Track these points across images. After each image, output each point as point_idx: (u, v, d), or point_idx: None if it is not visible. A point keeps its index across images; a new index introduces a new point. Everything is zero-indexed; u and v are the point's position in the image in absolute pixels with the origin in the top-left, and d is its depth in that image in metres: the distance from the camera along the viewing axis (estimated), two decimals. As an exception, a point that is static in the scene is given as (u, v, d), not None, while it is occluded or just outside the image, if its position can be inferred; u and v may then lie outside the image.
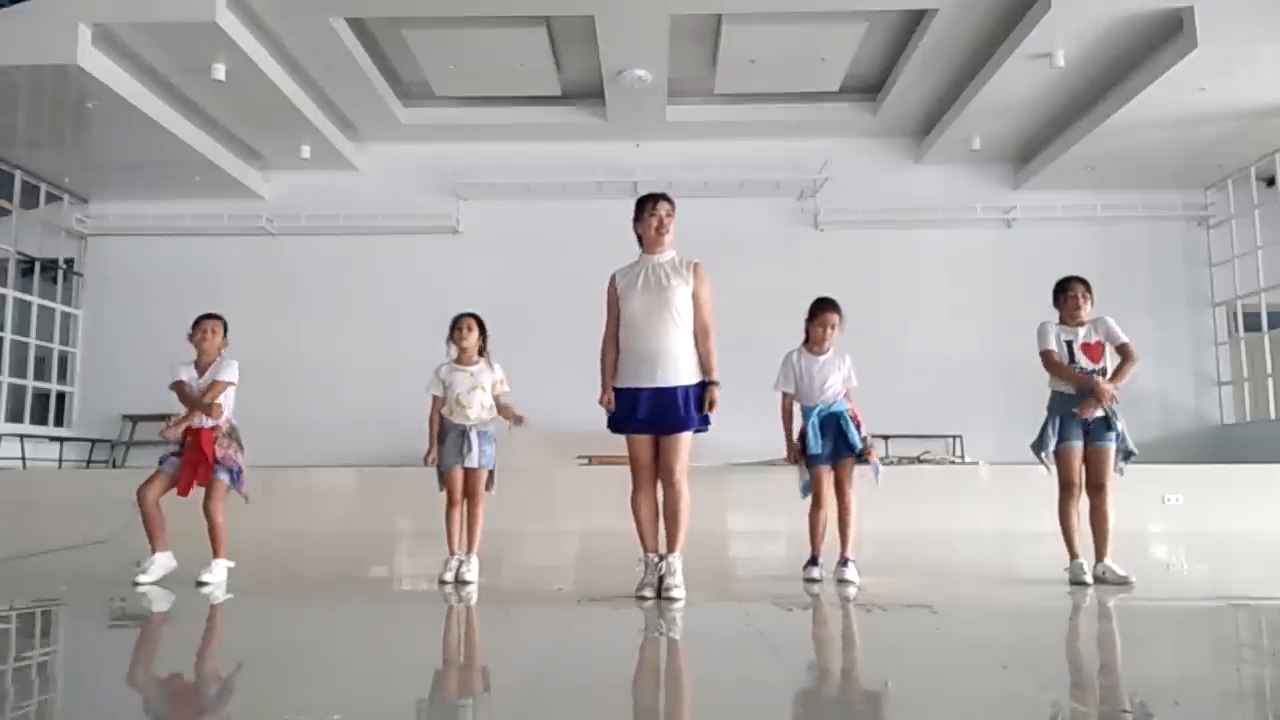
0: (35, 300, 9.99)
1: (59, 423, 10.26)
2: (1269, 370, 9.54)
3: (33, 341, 9.88)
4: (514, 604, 4.02)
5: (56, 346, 10.25)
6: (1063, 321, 4.62)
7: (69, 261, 10.54)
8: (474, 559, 4.59)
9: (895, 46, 8.86)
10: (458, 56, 8.64)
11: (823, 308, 4.67)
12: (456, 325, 4.73)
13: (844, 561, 4.49)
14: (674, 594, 3.78)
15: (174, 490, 4.62)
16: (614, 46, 8.26)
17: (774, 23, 7.97)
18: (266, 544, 6.30)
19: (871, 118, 9.98)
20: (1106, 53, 7.85)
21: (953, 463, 8.82)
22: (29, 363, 9.87)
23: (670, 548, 3.91)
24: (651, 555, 3.94)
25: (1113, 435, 4.43)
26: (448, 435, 4.62)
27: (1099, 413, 4.37)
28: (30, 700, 2.50)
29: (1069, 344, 4.52)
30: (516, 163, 10.27)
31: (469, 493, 4.64)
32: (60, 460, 9.57)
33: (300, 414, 9.69)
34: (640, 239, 4.11)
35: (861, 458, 4.57)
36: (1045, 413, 4.60)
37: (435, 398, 4.68)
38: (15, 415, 9.62)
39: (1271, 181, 9.91)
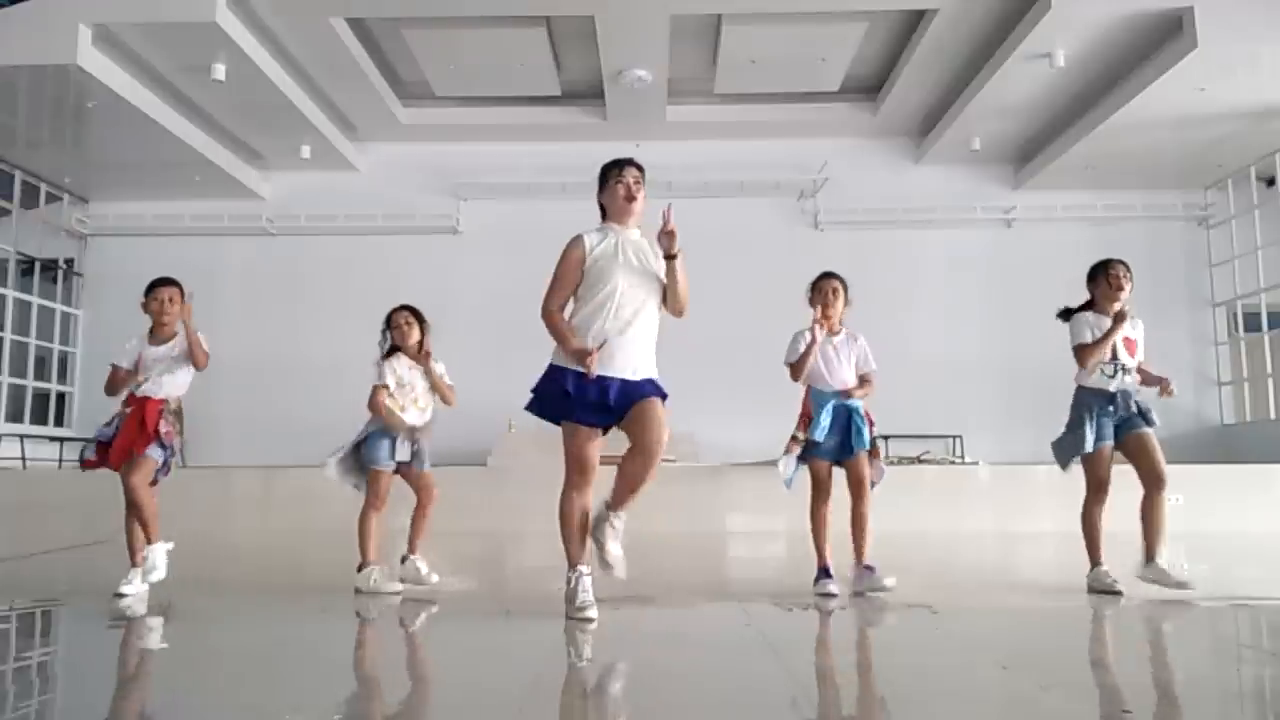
0: (35, 300, 10.00)
1: (59, 423, 10.27)
2: (1269, 370, 9.54)
3: (33, 341, 9.88)
4: (513, 604, 4.01)
5: (56, 346, 10.25)
6: (1099, 309, 4.27)
7: (69, 261, 10.54)
8: (420, 559, 4.37)
9: (895, 46, 8.86)
10: (458, 56, 8.64)
11: (822, 276, 4.38)
12: (394, 322, 4.42)
13: (869, 568, 4.04)
14: (613, 553, 3.34)
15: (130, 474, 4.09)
16: (614, 46, 8.26)
17: (774, 23, 7.97)
18: (266, 544, 6.30)
19: (871, 118, 9.98)
20: (1106, 53, 7.84)
21: (953, 463, 8.82)
22: (29, 363, 9.87)
23: (616, 504, 3.40)
24: (584, 568, 3.44)
25: (1150, 424, 4.13)
26: (393, 432, 4.32)
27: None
28: (30, 700, 2.50)
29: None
30: (516, 163, 10.27)
31: (421, 493, 4.44)
32: (60, 460, 9.56)
33: (300, 414, 9.67)
34: (604, 210, 3.60)
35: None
36: (1071, 411, 4.28)
37: (379, 388, 4.34)
38: (15, 415, 9.62)
39: (1271, 181, 9.91)
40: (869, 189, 10.30)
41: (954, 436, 9.69)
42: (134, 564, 4.10)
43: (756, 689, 2.43)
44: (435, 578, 4.31)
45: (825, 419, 4.13)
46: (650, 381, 3.46)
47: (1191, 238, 10.42)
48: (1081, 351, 4.22)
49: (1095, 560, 4.22)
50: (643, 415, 3.37)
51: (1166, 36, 7.48)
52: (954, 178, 10.38)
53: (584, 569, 3.43)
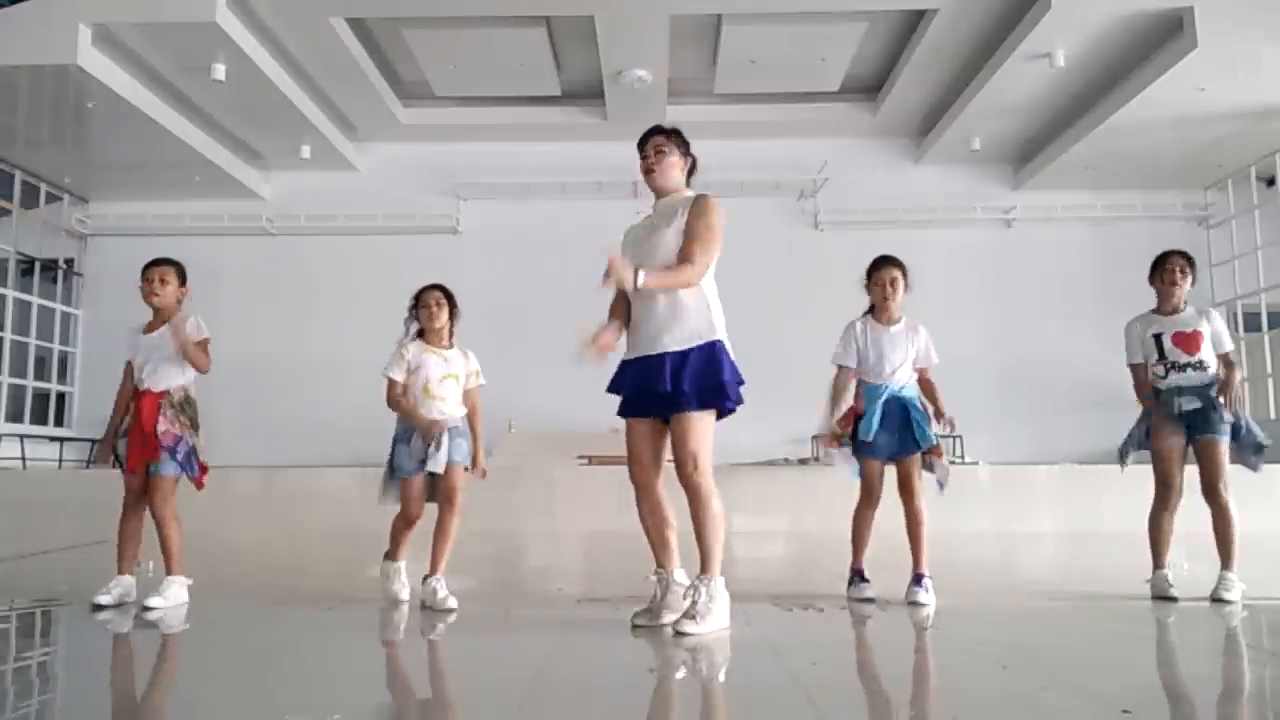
0: (35, 300, 10.00)
1: (59, 423, 10.27)
2: (1269, 370, 9.54)
3: (33, 341, 9.89)
4: (513, 604, 4.01)
5: (56, 346, 10.26)
6: (1159, 307, 4.06)
7: (69, 261, 10.56)
8: (442, 580, 3.76)
9: (895, 46, 8.87)
10: (458, 56, 8.65)
11: (880, 264, 3.96)
12: (422, 301, 3.86)
13: (918, 579, 3.81)
14: (683, 626, 2.97)
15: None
16: (614, 46, 8.26)
17: (774, 23, 7.98)
18: (266, 544, 6.31)
19: (871, 118, 9.99)
20: (1106, 53, 7.85)
21: (953, 463, 8.80)
22: (29, 363, 9.88)
23: (702, 568, 3.05)
24: (662, 573, 3.18)
25: (1224, 427, 3.93)
26: (412, 433, 3.81)
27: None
28: (30, 700, 2.50)
29: (1157, 337, 3.95)
30: (516, 163, 10.29)
31: (445, 497, 3.82)
32: (60, 460, 9.57)
33: (300, 414, 9.70)
34: None
35: (926, 459, 3.91)
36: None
37: (393, 382, 3.80)
38: (15, 415, 9.63)
39: (1271, 181, 9.92)
40: (869, 189, 10.31)
41: (954, 436, 9.68)
42: (120, 571, 3.79)
43: (756, 689, 2.43)
44: (453, 603, 3.71)
45: (875, 417, 3.82)
46: (675, 356, 3.10)
47: (1191, 238, 10.41)
48: (1132, 371, 4.09)
49: (1157, 563, 4.06)
50: (670, 431, 3.14)
51: (1166, 36, 7.48)
52: (954, 178, 10.39)
53: (666, 572, 3.20)
